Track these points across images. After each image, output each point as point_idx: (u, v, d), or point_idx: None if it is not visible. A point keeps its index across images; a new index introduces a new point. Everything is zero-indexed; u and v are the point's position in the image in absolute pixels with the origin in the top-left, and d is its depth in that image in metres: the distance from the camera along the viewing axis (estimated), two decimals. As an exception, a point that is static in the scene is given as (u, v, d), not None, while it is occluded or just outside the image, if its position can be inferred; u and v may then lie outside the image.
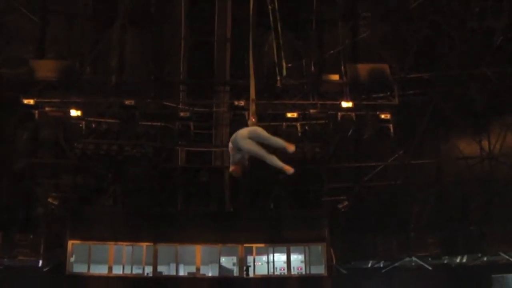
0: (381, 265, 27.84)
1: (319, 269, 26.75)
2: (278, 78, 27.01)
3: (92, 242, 26.13)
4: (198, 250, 26.60)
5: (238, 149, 12.82)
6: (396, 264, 27.51)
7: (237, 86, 28.00)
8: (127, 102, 25.79)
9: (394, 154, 28.42)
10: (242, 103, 25.31)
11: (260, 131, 12.86)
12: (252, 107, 14.02)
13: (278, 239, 26.96)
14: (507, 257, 26.88)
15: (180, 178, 27.67)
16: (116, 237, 26.32)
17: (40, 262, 26.69)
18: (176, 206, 27.54)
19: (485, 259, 27.42)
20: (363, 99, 26.64)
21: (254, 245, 26.86)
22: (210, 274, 26.97)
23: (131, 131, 26.47)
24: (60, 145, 27.57)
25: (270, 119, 26.97)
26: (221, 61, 29.03)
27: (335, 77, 27.20)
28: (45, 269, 26.64)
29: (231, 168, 13.10)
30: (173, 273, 26.62)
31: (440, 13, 28.46)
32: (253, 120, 13.35)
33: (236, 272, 26.82)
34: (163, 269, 26.78)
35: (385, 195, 28.54)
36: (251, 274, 26.55)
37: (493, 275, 27.64)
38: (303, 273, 26.88)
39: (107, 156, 26.31)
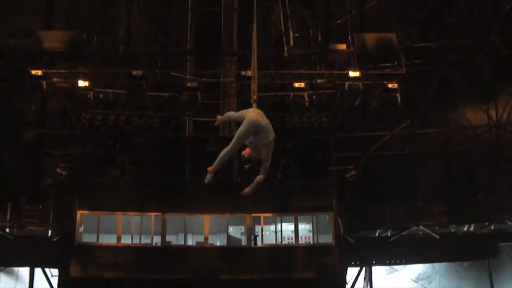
0: (389, 234, 27.83)
1: (327, 238, 26.81)
2: (285, 48, 26.89)
3: (100, 212, 26.23)
4: (206, 220, 26.67)
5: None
6: (404, 233, 27.50)
7: (244, 56, 27.90)
8: (134, 73, 25.86)
9: (401, 123, 28.34)
10: (249, 73, 25.16)
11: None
12: (253, 86, 13.84)
13: (285, 208, 26.96)
14: (514, 225, 26.99)
15: (187, 148, 27.66)
16: (125, 207, 26.44)
17: (49, 232, 26.82)
18: (184, 176, 27.49)
19: (492, 227, 27.41)
20: (370, 68, 26.64)
21: (262, 215, 26.88)
22: (218, 244, 27.08)
23: (139, 102, 26.58)
24: (68, 115, 27.60)
25: (277, 89, 27.01)
26: (228, 31, 28.95)
27: (342, 46, 27.10)
28: (54, 239, 26.70)
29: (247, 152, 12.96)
30: (182, 242, 26.76)
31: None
32: (255, 97, 13.14)
33: (244, 242, 26.91)
34: (171, 239, 26.91)
35: (393, 164, 28.51)
36: (259, 244, 26.67)
37: (500, 243, 27.77)
38: (311, 242, 26.96)
39: (115, 127, 26.48)
